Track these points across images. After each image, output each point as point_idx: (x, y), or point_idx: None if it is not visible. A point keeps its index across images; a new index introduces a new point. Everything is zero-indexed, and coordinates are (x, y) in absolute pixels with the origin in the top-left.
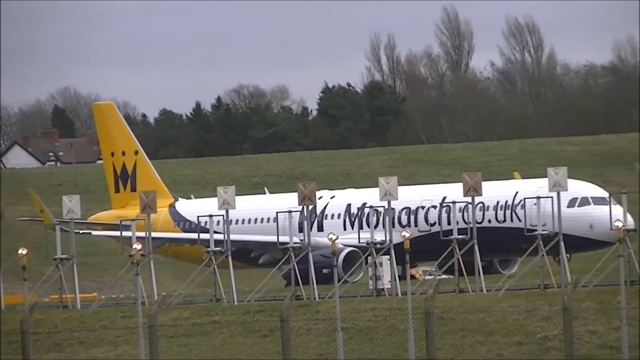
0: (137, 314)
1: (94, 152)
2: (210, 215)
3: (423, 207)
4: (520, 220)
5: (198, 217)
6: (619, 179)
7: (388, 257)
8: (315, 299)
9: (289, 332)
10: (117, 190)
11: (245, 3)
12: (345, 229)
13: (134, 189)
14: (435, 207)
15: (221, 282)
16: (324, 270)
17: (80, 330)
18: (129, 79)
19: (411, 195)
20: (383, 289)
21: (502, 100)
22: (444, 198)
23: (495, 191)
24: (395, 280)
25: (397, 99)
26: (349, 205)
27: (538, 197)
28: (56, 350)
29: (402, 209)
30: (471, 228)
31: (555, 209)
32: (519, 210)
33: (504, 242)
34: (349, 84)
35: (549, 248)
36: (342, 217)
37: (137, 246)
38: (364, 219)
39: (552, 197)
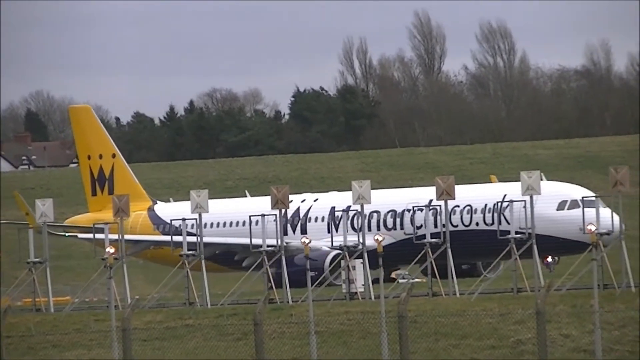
0: (111, 317)
1: (67, 155)
2: (183, 219)
3: (409, 210)
4: (509, 224)
5: (171, 220)
6: (591, 183)
7: (361, 260)
8: (288, 302)
9: (262, 336)
10: (94, 194)
11: (217, 8)
12: (329, 231)
13: (111, 192)
14: (422, 209)
15: (195, 285)
16: (311, 273)
17: (53, 333)
18: (102, 83)
19: (397, 199)
20: (356, 293)
21: (474, 104)
22: (431, 201)
23: (483, 194)
24: (369, 283)
25: (370, 102)
26: (332, 208)
27: (511, 201)
28: (29, 353)
29: (388, 212)
30: (447, 231)
31: (544, 211)
32: (507, 213)
33: (490, 244)
34: (321, 88)
35: (522, 251)
36: (325, 220)
37: (110, 250)
38: (348, 222)
39: (524, 200)
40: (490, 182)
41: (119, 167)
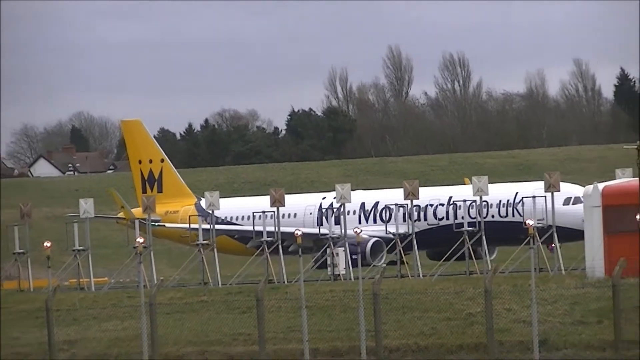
0: (140, 294)
1: (104, 163)
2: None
3: (431, 205)
4: (521, 216)
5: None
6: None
7: (343, 248)
8: (284, 282)
9: (263, 309)
10: (144, 191)
11: (226, 44)
12: (360, 222)
13: (160, 191)
14: (442, 204)
15: (208, 269)
16: (353, 256)
17: (93, 308)
18: (130, 104)
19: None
20: (339, 275)
21: (435, 122)
22: (450, 197)
23: (499, 192)
24: (350, 267)
25: (350, 120)
26: (362, 204)
27: (464, 201)
28: (74, 324)
29: (413, 207)
30: (413, 226)
31: (555, 206)
32: (519, 207)
33: (503, 233)
34: (310, 109)
35: (473, 240)
36: (357, 213)
37: (140, 239)
38: (377, 215)
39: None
40: (464, 184)
41: (167, 170)
